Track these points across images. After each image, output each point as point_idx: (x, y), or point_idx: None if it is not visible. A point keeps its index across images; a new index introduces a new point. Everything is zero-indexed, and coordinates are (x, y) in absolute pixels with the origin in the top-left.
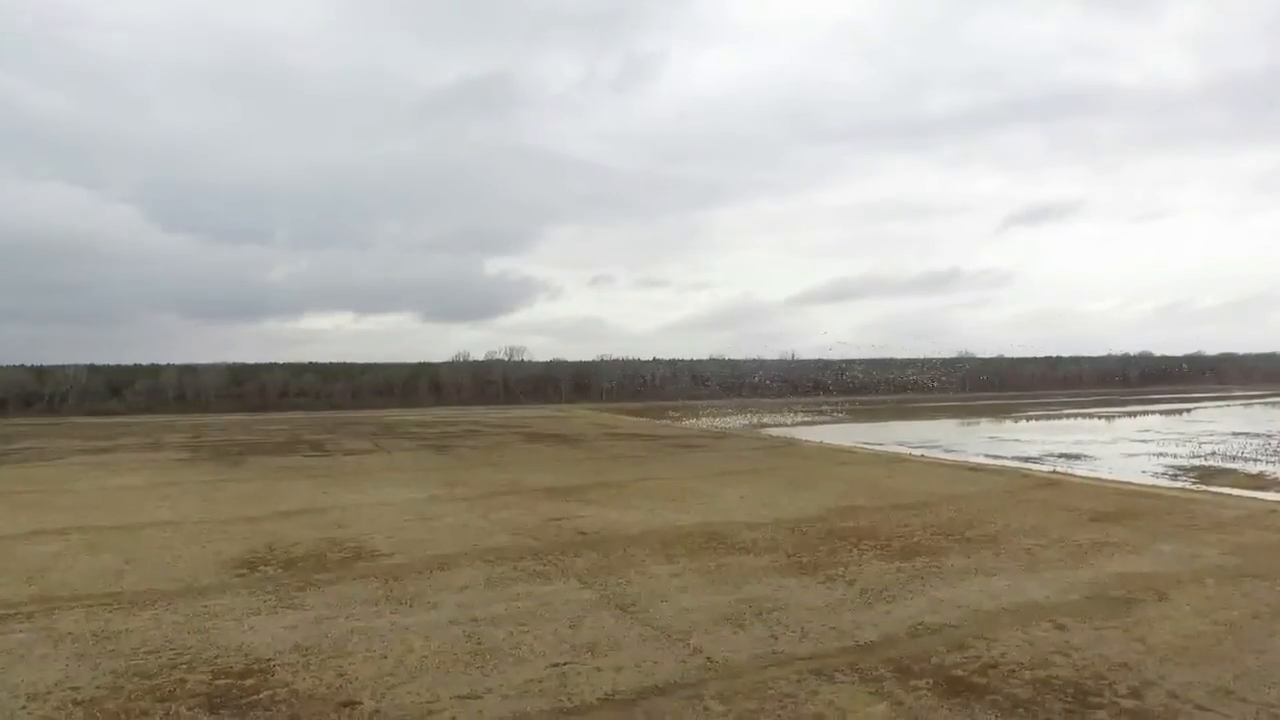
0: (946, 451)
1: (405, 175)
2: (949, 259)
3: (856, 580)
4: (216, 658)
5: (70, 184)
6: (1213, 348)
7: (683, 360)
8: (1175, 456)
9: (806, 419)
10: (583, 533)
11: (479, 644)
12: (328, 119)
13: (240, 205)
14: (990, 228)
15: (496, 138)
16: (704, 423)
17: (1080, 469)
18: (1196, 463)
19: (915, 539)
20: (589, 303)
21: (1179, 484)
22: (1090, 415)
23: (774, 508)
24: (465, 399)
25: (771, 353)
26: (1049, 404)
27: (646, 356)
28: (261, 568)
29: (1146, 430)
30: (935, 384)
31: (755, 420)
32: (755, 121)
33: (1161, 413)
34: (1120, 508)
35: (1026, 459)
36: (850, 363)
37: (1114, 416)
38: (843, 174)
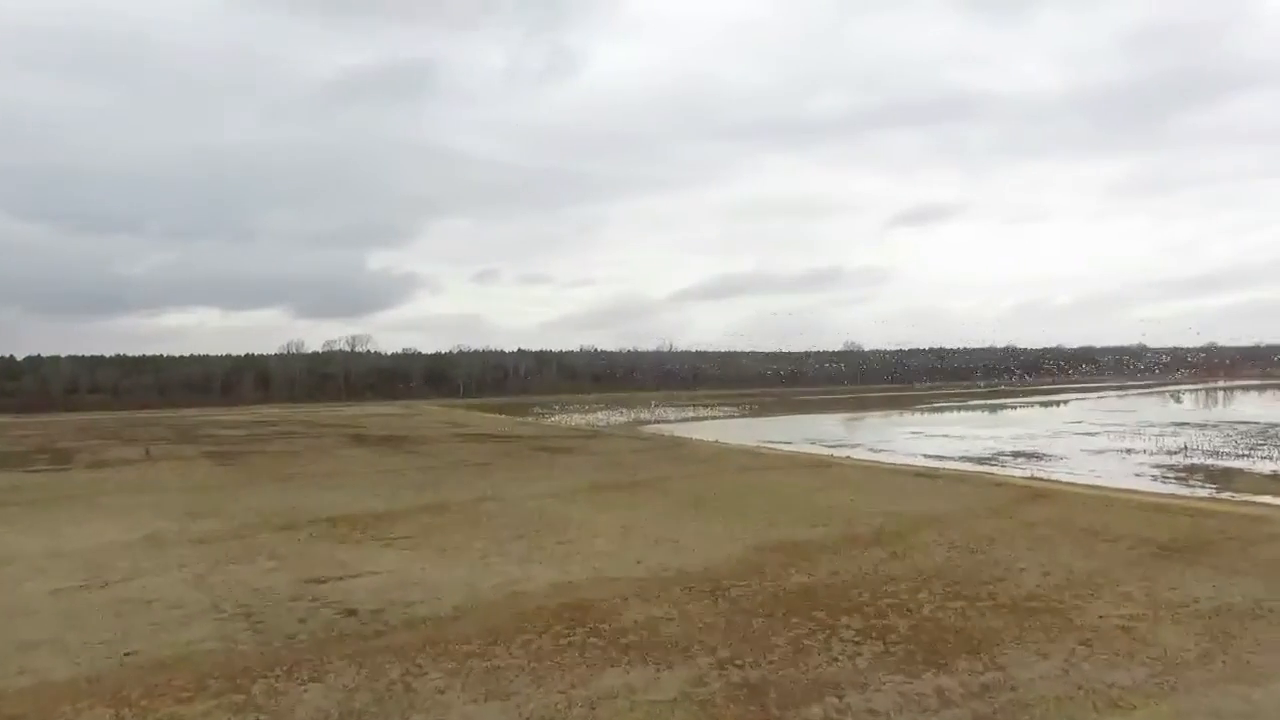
0: (873, 451)
1: (298, 165)
2: (831, 257)
3: None
4: None
5: None
6: (1067, 342)
7: (550, 351)
8: (1147, 453)
9: (691, 414)
10: (351, 611)
11: None
12: (216, 103)
13: (110, 192)
14: (871, 228)
15: (400, 129)
16: (573, 419)
17: (1056, 472)
18: (1184, 460)
19: (923, 609)
20: (470, 299)
21: (1203, 492)
22: (996, 406)
23: (676, 549)
24: (299, 395)
25: (649, 345)
26: (945, 395)
27: (511, 348)
28: None
29: (1079, 422)
30: (822, 375)
31: (633, 416)
32: (649, 118)
33: (1064, 402)
34: (1179, 534)
35: (980, 460)
36: (731, 355)
37: (1021, 407)
38: (730, 172)
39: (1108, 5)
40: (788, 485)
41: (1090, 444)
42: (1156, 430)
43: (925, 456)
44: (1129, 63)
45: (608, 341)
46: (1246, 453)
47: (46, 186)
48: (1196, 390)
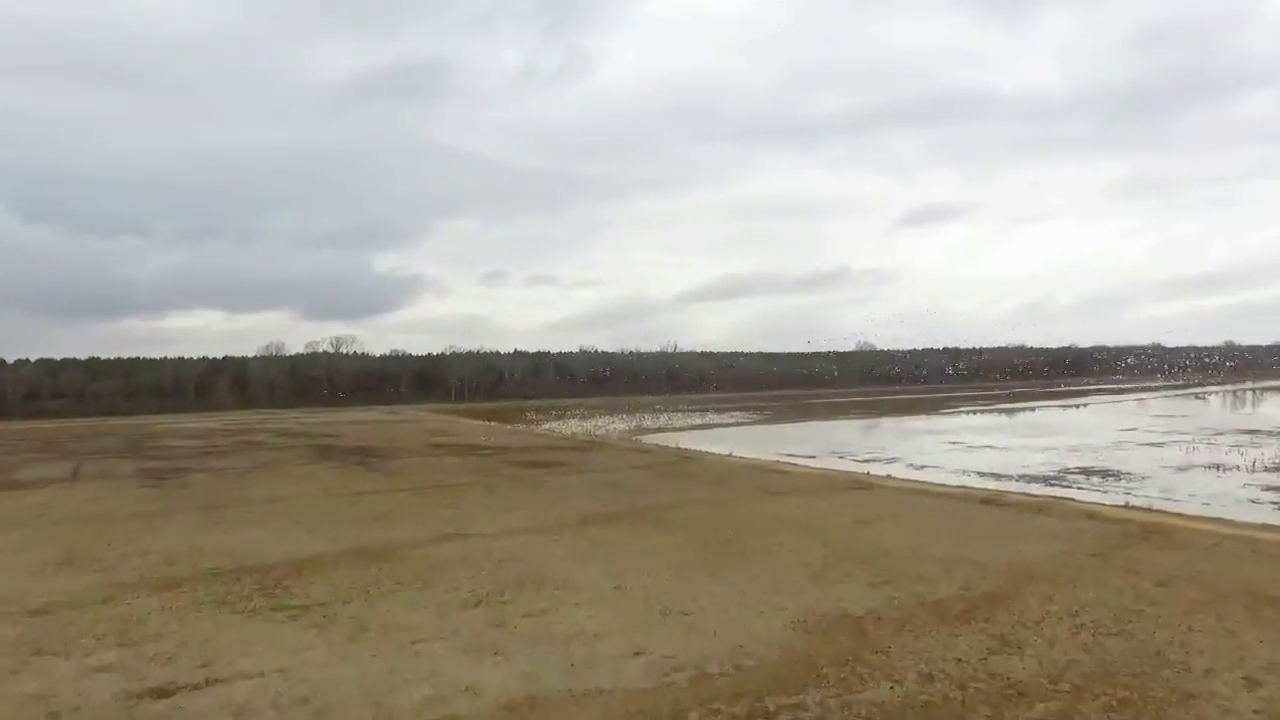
0: (914, 467)
1: (307, 167)
2: (837, 257)
3: None
4: None
5: None
6: (1070, 342)
7: (548, 353)
8: (1241, 469)
9: (698, 420)
10: None
11: None
12: (225, 104)
13: (115, 194)
14: (877, 228)
15: (410, 131)
16: (569, 426)
17: (1151, 497)
18: None
19: None
20: (476, 300)
21: None
22: (1029, 410)
23: (689, 626)
24: (280, 400)
25: (652, 346)
26: (969, 397)
27: (508, 349)
28: None
29: (1134, 429)
30: (836, 377)
31: (634, 423)
32: (654, 119)
33: (1099, 404)
34: None
35: (1047, 480)
36: (736, 355)
37: (1055, 410)
38: (734, 172)
39: (1112, 5)
40: (824, 517)
41: (1164, 457)
42: (1228, 440)
43: (978, 474)
44: (1133, 63)
45: (612, 343)
46: None
47: (50, 188)
48: (1224, 392)
